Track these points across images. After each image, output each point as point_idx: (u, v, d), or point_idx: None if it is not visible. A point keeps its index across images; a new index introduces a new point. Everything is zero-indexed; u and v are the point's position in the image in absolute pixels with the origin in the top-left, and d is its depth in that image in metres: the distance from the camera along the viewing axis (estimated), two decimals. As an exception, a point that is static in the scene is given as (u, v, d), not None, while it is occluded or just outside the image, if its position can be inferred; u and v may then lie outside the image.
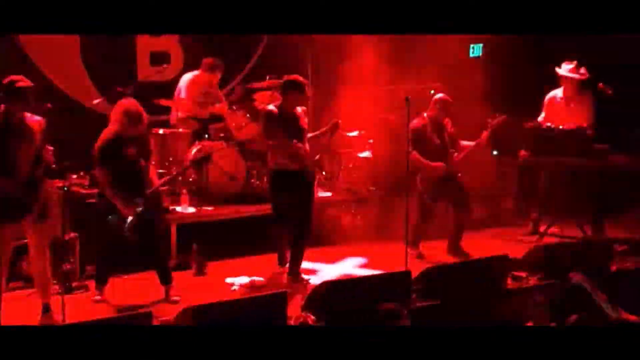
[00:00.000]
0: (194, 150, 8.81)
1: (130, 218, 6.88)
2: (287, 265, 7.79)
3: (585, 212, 9.06)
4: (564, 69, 8.92)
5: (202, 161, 7.50)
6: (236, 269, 8.04)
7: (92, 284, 7.35)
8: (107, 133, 6.94)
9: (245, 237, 9.01)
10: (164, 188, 7.42)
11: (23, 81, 6.29)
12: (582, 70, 8.85)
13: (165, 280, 7.26)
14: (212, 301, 6.38)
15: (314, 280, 7.57)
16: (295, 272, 7.68)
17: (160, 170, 8.42)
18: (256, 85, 9.77)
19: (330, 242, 9.03)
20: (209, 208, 8.62)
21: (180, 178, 8.28)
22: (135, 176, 6.99)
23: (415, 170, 8.31)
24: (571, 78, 8.85)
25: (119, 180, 6.91)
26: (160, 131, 9.04)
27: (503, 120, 8.52)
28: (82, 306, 7.04)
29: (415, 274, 6.97)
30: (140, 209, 6.89)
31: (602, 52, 9.24)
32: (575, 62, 8.85)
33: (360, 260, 8.51)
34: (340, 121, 8.09)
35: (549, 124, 8.90)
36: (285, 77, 7.75)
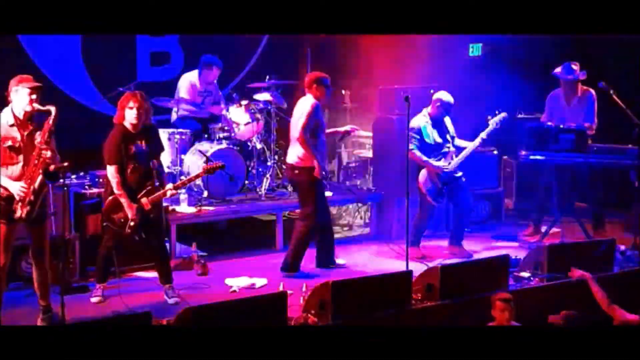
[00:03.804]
0: (196, 150, 8.79)
1: (134, 217, 6.91)
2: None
3: (586, 211, 9.05)
4: (562, 71, 8.90)
5: (216, 170, 7.53)
6: (236, 269, 8.04)
7: (92, 284, 7.35)
8: (114, 131, 6.97)
9: (245, 237, 9.02)
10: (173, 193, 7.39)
11: (30, 81, 6.30)
12: (581, 72, 8.83)
13: (165, 280, 7.25)
14: (212, 302, 6.38)
15: (315, 280, 7.55)
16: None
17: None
18: (256, 85, 9.77)
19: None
20: (209, 208, 8.61)
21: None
22: (144, 175, 7.02)
23: (417, 169, 8.30)
24: (569, 80, 8.84)
25: (127, 178, 6.95)
26: (160, 131, 9.01)
27: (503, 119, 8.50)
28: (82, 306, 7.04)
29: (416, 274, 6.97)
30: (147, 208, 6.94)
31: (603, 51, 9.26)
32: (574, 63, 8.83)
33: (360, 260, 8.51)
34: (357, 129, 8.51)
35: (549, 123, 8.88)
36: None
